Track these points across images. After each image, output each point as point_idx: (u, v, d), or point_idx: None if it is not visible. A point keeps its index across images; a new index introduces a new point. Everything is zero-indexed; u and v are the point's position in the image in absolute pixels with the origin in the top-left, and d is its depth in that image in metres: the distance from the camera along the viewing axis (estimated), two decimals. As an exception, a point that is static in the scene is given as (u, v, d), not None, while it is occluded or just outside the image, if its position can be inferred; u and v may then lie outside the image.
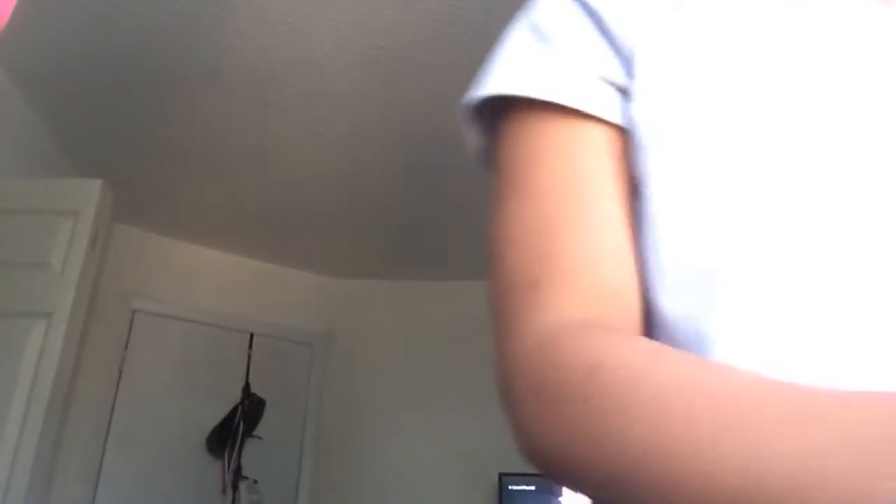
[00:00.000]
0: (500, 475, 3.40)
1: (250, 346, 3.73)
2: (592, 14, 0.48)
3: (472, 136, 0.53)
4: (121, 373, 3.31)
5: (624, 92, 0.47)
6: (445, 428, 3.73)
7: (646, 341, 0.38)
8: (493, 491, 3.46)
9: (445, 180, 3.00)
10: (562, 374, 0.36)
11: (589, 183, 0.45)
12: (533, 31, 0.50)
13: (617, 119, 0.46)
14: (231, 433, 3.42)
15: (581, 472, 0.34)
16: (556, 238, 0.43)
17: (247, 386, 3.59)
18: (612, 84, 0.47)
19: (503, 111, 0.49)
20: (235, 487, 3.34)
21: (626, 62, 0.47)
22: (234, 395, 3.54)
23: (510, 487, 3.37)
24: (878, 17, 0.45)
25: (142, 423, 3.28)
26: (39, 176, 2.60)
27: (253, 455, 3.47)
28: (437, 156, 2.79)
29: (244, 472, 3.40)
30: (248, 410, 3.52)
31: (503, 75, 0.49)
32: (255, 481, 3.41)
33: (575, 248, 0.43)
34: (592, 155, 0.46)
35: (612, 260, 0.43)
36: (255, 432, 3.53)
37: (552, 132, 0.47)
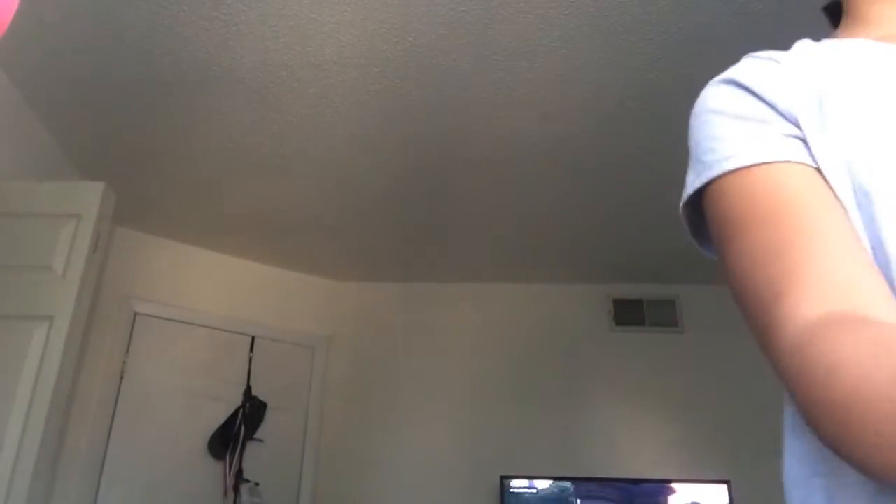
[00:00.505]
0: (502, 478, 3.40)
1: (251, 349, 3.73)
2: (755, 94, 0.62)
3: (685, 217, 0.65)
4: (122, 376, 3.31)
5: (804, 141, 0.59)
6: (447, 430, 3.72)
7: (872, 328, 0.45)
8: (494, 493, 3.46)
9: (447, 183, 3.00)
10: (805, 378, 0.45)
11: (803, 207, 0.55)
12: (724, 116, 0.63)
13: (807, 160, 0.58)
14: (232, 436, 3.42)
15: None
16: (789, 254, 0.53)
17: (248, 389, 3.59)
18: (795, 137, 0.60)
19: (713, 182, 0.60)
20: (237, 490, 3.34)
21: (794, 122, 0.60)
22: (236, 399, 3.54)
23: (512, 490, 3.37)
24: None
25: (143, 426, 3.28)
26: (41, 179, 2.60)
27: (254, 458, 3.47)
28: (440, 158, 2.79)
29: (245, 475, 3.39)
30: (250, 413, 3.52)
31: (730, 155, 0.59)
32: (257, 484, 3.41)
33: (807, 257, 0.52)
34: (800, 187, 0.57)
35: (842, 261, 0.51)
36: (256, 435, 3.53)
37: (765, 180, 0.58)
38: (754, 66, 0.65)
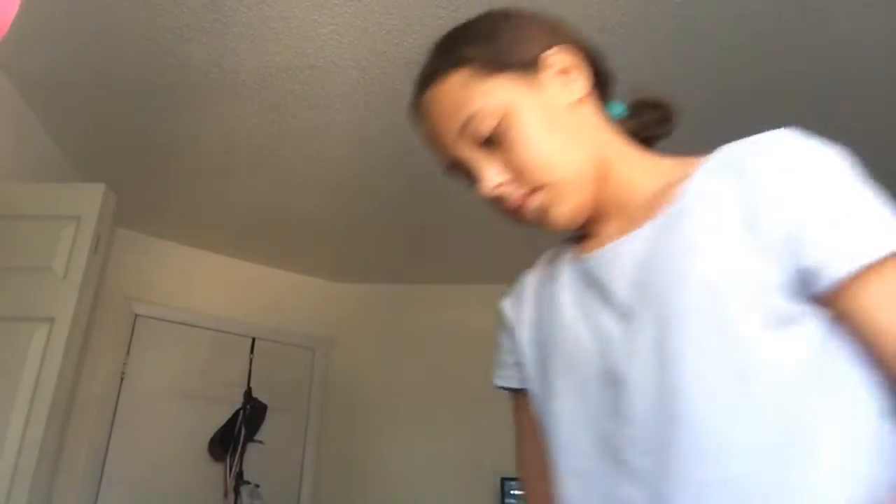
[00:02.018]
0: (503, 479, 3.39)
1: (252, 351, 3.73)
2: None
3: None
4: (123, 377, 3.31)
5: None
6: (447, 432, 3.72)
7: None
8: (495, 494, 3.46)
9: (446, 185, 3.00)
10: None
11: None
12: None
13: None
14: (233, 438, 3.42)
15: None
16: None
17: (248, 390, 3.59)
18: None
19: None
20: (237, 492, 3.34)
21: None
22: (236, 400, 3.55)
23: (512, 492, 3.37)
24: (583, 303, 0.74)
25: (143, 427, 3.28)
26: (42, 181, 2.61)
27: (255, 459, 3.47)
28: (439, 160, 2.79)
29: (246, 477, 3.39)
30: (250, 415, 3.52)
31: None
32: (257, 486, 3.41)
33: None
34: None
35: None
36: (256, 437, 3.53)
37: None
38: None
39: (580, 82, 0.76)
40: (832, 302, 0.59)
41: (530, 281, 0.85)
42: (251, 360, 3.70)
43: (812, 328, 0.60)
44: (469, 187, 0.78)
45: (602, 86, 0.82)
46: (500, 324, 0.88)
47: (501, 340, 0.86)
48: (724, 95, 2.37)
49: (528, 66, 0.74)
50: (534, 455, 0.79)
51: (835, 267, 0.58)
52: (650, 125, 0.83)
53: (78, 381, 2.97)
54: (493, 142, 0.73)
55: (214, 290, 3.71)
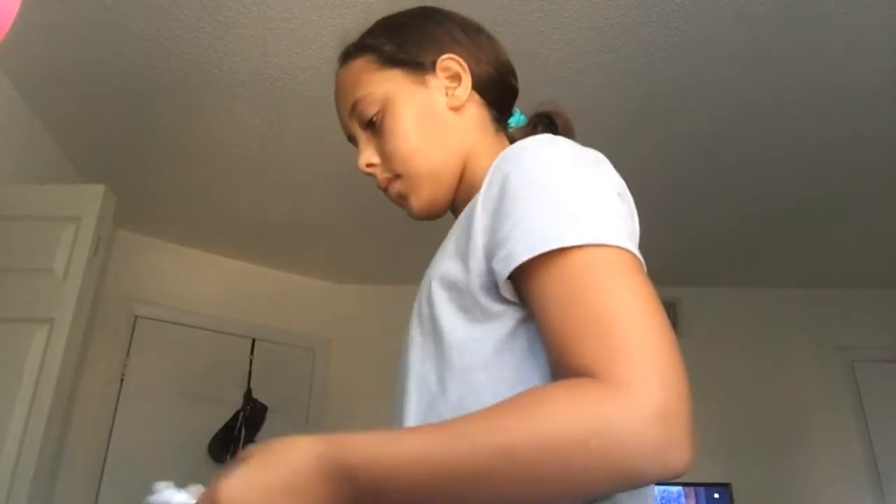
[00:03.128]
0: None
1: (252, 352, 3.72)
2: None
3: None
4: (122, 378, 3.31)
5: None
6: (447, 434, 3.71)
7: None
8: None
9: (447, 186, 3.00)
10: None
11: None
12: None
13: None
14: (233, 439, 3.42)
15: None
16: None
17: (248, 392, 3.59)
18: None
19: None
20: (237, 493, 3.33)
21: None
22: (236, 401, 3.54)
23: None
24: None
25: (143, 428, 3.28)
26: (41, 182, 2.61)
27: (255, 461, 3.46)
28: (439, 161, 2.79)
29: (246, 478, 3.39)
30: (250, 416, 3.51)
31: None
32: (257, 487, 3.40)
33: None
34: None
35: None
36: (256, 438, 3.52)
37: None
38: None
39: (463, 90, 0.82)
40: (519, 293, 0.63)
41: None
42: (251, 361, 3.69)
43: (501, 324, 0.64)
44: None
45: (501, 96, 0.88)
46: None
47: None
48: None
49: (419, 66, 0.82)
50: None
51: (501, 268, 0.61)
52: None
53: (78, 382, 2.96)
54: (373, 126, 0.82)
55: (214, 291, 3.71)
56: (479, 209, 0.67)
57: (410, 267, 3.89)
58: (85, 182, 2.88)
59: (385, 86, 0.81)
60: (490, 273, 0.64)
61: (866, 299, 3.79)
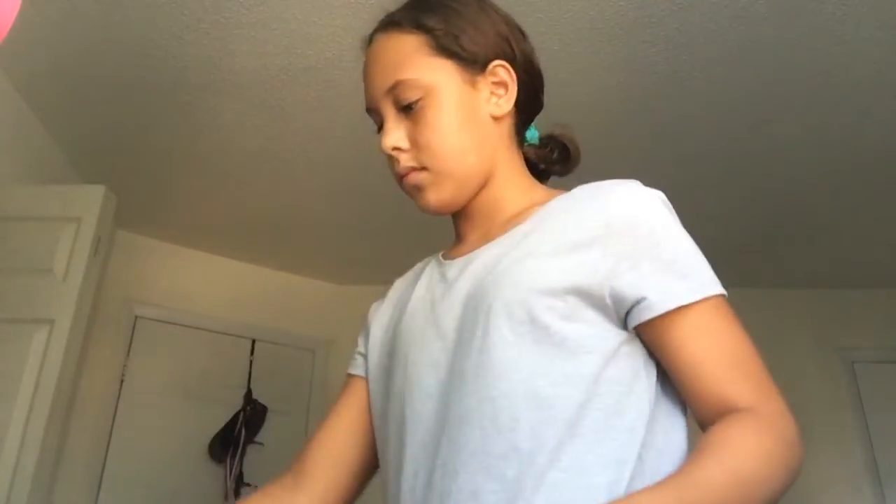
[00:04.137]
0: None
1: (252, 353, 3.72)
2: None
3: None
4: (123, 379, 3.31)
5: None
6: (447, 434, 3.71)
7: None
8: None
9: (447, 186, 2.99)
10: None
11: None
12: None
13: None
14: (233, 440, 3.41)
15: None
16: None
17: (249, 392, 3.59)
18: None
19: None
20: (237, 494, 3.33)
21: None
22: (236, 402, 3.54)
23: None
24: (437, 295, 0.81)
25: (143, 429, 3.28)
26: (42, 182, 2.61)
27: (255, 462, 3.46)
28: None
29: (246, 479, 3.39)
30: (250, 417, 3.51)
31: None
32: (257, 488, 3.40)
33: None
34: None
35: None
36: (256, 439, 3.52)
37: None
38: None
39: (507, 101, 0.82)
40: (649, 333, 0.69)
41: (397, 285, 0.95)
42: (251, 362, 3.69)
43: (606, 349, 0.69)
44: (376, 132, 0.85)
45: (530, 109, 0.88)
46: (362, 325, 0.97)
47: (358, 339, 0.96)
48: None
49: (474, 63, 0.80)
50: (333, 430, 0.89)
51: (654, 305, 0.67)
52: (547, 160, 0.90)
53: (78, 383, 2.96)
54: (410, 110, 0.79)
55: (215, 292, 3.71)
56: (606, 234, 0.70)
57: (411, 267, 3.90)
58: (85, 182, 2.88)
59: (435, 75, 0.78)
60: (612, 300, 0.69)
61: (866, 299, 3.79)
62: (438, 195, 0.80)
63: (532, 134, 0.90)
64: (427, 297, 0.82)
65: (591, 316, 0.68)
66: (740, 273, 3.74)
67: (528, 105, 0.86)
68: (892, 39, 2.08)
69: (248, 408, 3.53)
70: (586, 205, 0.74)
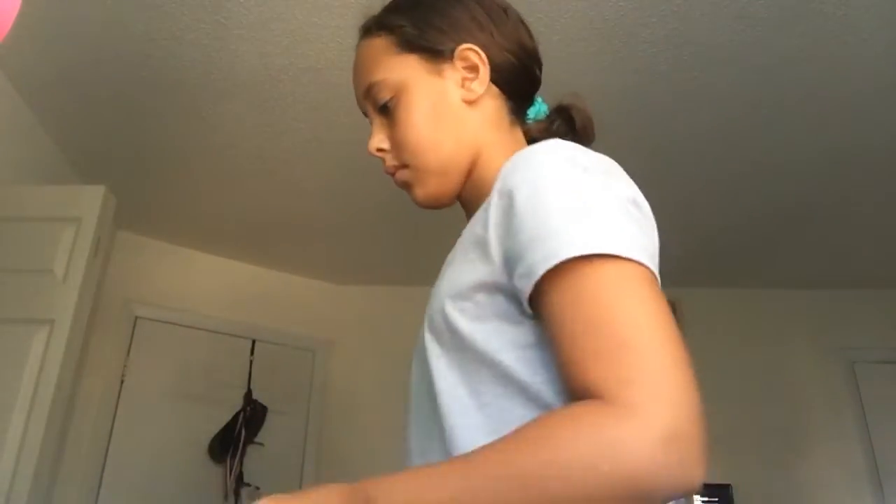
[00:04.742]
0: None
1: (252, 353, 3.72)
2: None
3: None
4: (123, 379, 3.31)
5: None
6: (448, 434, 3.71)
7: None
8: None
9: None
10: None
11: None
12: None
13: None
14: (233, 440, 3.42)
15: None
16: None
17: (249, 392, 3.59)
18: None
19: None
20: (237, 494, 3.33)
21: None
22: (236, 402, 3.54)
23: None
24: None
25: (143, 429, 3.28)
26: (42, 183, 2.61)
27: (255, 462, 3.46)
28: (439, 162, 2.79)
29: (246, 479, 3.39)
30: (250, 417, 3.51)
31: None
32: (257, 488, 3.40)
33: None
34: None
35: None
36: (256, 439, 3.52)
37: None
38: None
39: (479, 85, 0.80)
40: (540, 307, 0.62)
41: None
42: (251, 362, 3.69)
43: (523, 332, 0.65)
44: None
45: (522, 89, 0.85)
46: None
47: None
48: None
49: (438, 53, 0.80)
50: None
51: (522, 282, 0.61)
52: (549, 133, 0.85)
53: (78, 383, 2.96)
54: (387, 110, 0.81)
55: (215, 292, 3.71)
56: (491, 221, 0.67)
57: (411, 268, 3.90)
58: (85, 183, 2.88)
59: (401, 72, 0.79)
60: (513, 288, 0.63)
61: (866, 300, 3.79)
62: (424, 190, 0.82)
63: (538, 109, 0.88)
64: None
65: (503, 311, 0.64)
66: (740, 273, 3.74)
67: (518, 81, 0.84)
68: (893, 39, 2.08)
69: (248, 408, 3.53)
70: (495, 190, 0.69)
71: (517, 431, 0.55)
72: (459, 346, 0.67)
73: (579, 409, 0.53)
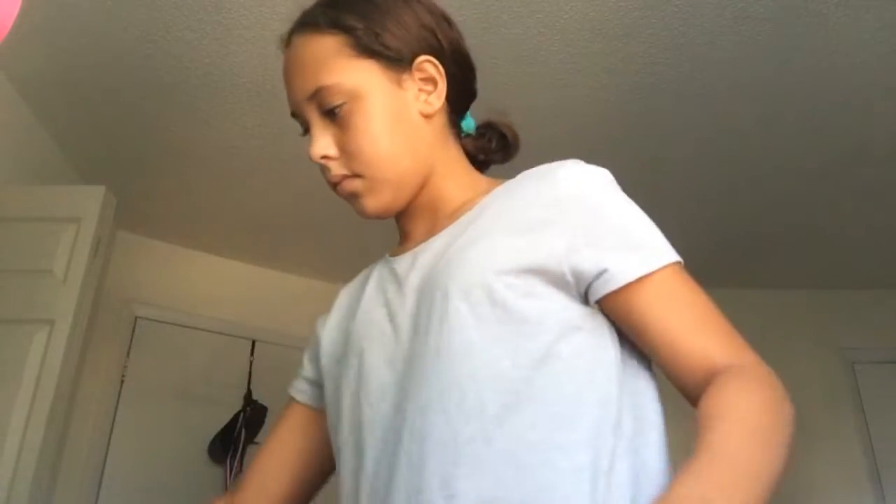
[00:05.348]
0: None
1: (252, 353, 3.72)
2: None
3: None
4: (123, 380, 3.31)
5: None
6: (448, 434, 3.71)
7: None
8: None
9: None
10: None
11: None
12: None
13: None
14: (233, 440, 3.41)
15: None
16: None
17: (249, 393, 3.59)
18: None
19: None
20: (237, 495, 3.33)
21: None
22: (236, 402, 3.54)
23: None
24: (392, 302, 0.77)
25: (144, 429, 3.28)
26: (42, 183, 2.61)
27: (255, 462, 3.46)
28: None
29: (246, 480, 3.38)
30: (250, 417, 3.51)
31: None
32: (257, 488, 3.40)
33: None
34: None
35: None
36: (256, 439, 3.52)
37: None
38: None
39: (437, 97, 0.79)
40: (612, 305, 0.69)
41: (343, 293, 0.91)
42: (251, 363, 3.69)
43: (577, 321, 0.69)
44: (302, 135, 0.81)
45: (463, 99, 0.85)
46: (309, 342, 0.94)
47: (303, 355, 0.94)
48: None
49: (398, 61, 0.76)
50: (273, 454, 0.88)
51: (615, 277, 0.67)
52: (487, 150, 0.88)
53: (78, 384, 2.96)
54: (335, 115, 0.75)
55: (215, 293, 3.71)
56: (568, 213, 0.70)
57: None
58: (85, 183, 2.88)
59: (358, 78, 0.75)
60: (571, 277, 0.68)
61: (867, 300, 3.79)
62: (376, 201, 0.78)
63: (468, 124, 0.87)
64: (378, 296, 0.79)
65: (551, 293, 0.68)
66: (741, 274, 3.74)
67: (460, 96, 0.83)
68: (893, 39, 2.08)
69: (248, 408, 3.53)
70: (534, 185, 0.74)
71: (726, 419, 0.61)
72: (502, 318, 0.67)
73: (738, 378, 0.64)
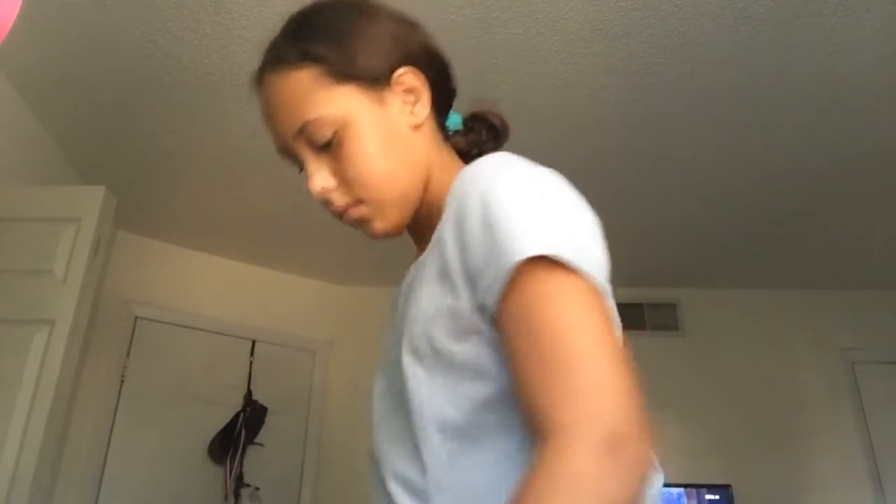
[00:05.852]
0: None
1: (252, 353, 3.72)
2: None
3: None
4: (122, 380, 3.31)
5: None
6: (448, 435, 3.71)
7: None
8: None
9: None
10: None
11: None
12: None
13: None
14: (233, 440, 3.41)
15: None
16: None
17: (249, 393, 3.59)
18: None
19: None
20: (237, 495, 3.33)
21: None
22: (236, 403, 3.54)
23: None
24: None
25: (143, 429, 3.28)
26: (42, 183, 2.61)
27: (255, 462, 3.46)
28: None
29: (246, 480, 3.39)
30: (250, 417, 3.51)
31: None
32: (257, 489, 3.40)
33: None
34: None
35: None
36: (256, 439, 3.52)
37: None
38: None
39: (422, 106, 0.77)
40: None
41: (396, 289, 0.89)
42: (251, 363, 3.69)
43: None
44: (299, 173, 0.80)
45: (444, 99, 0.83)
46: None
47: None
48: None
49: (377, 80, 0.75)
50: None
51: (489, 301, 0.63)
52: (479, 143, 0.85)
53: (78, 384, 2.96)
54: (328, 147, 0.74)
55: (215, 293, 3.71)
56: (449, 243, 0.67)
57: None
58: (85, 183, 2.88)
59: (340, 105, 0.73)
60: (481, 306, 0.64)
61: (867, 301, 3.79)
62: (385, 222, 0.78)
63: (454, 121, 0.85)
64: (393, 315, 0.82)
65: (482, 332, 0.65)
66: (741, 274, 3.74)
67: (442, 97, 0.82)
68: (893, 39, 2.08)
69: (248, 408, 3.53)
70: (449, 213, 0.70)
71: None
72: (445, 364, 0.67)
73: (538, 463, 0.54)
